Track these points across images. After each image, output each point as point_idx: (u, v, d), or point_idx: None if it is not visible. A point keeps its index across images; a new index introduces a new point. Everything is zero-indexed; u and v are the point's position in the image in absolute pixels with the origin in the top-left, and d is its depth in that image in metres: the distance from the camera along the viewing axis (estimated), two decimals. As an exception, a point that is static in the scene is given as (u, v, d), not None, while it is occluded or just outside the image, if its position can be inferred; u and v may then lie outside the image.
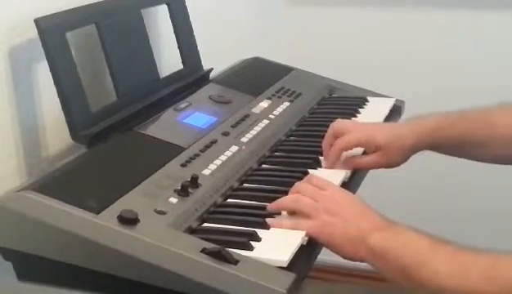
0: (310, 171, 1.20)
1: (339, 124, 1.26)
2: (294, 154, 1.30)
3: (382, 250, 0.96)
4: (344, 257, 1.01)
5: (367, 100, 1.58)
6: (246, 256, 0.92)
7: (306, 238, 0.99)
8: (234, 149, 1.24)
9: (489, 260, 0.90)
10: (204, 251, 0.91)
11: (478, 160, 1.31)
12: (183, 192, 1.06)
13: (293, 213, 1.05)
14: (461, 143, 1.26)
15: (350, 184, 1.22)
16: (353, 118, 1.47)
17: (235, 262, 0.90)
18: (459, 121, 1.26)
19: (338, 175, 1.20)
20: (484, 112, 1.26)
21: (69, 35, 1.19)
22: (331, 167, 1.23)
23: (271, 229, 1.01)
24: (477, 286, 0.88)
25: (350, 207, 1.03)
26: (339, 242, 0.99)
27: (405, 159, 1.25)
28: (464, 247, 0.93)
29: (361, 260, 0.99)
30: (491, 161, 1.30)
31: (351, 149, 1.24)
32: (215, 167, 1.16)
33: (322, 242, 1.01)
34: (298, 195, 1.05)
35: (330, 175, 1.17)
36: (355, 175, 1.25)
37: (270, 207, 1.06)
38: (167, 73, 1.46)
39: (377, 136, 1.23)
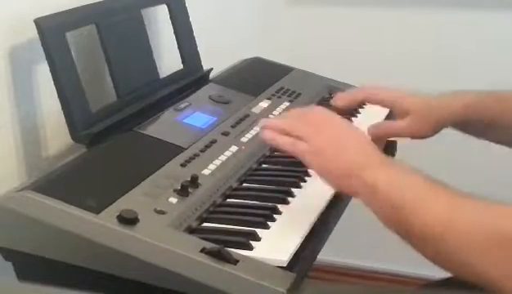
0: (309, 171, 1.20)
1: (369, 85, 1.24)
2: (293, 154, 1.30)
3: (373, 185, 0.92)
4: (337, 189, 1.00)
5: (367, 100, 1.57)
6: (246, 256, 0.92)
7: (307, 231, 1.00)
8: (234, 149, 1.24)
9: (481, 205, 0.86)
10: (203, 250, 0.91)
11: (507, 144, 1.25)
12: (183, 192, 1.06)
13: None
14: (493, 123, 1.21)
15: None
16: (353, 118, 1.47)
17: (235, 262, 0.90)
18: (493, 101, 1.21)
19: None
20: None
21: (69, 35, 1.19)
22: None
23: (270, 228, 1.01)
24: (464, 229, 0.83)
25: (351, 139, 1.01)
26: (334, 174, 0.98)
27: (434, 132, 1.20)
28: (458, 192, 0.88)
29: (353, 194, 0.98)
30: None
31: (373, 103, 1.23)
32: (215, 167, 1.16)
33: (315, 169, 1.00)
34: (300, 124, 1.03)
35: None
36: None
37: (263, 122, 1.07)
38: (167, 73, 1.46)
39: (406, 100, 1.21)
